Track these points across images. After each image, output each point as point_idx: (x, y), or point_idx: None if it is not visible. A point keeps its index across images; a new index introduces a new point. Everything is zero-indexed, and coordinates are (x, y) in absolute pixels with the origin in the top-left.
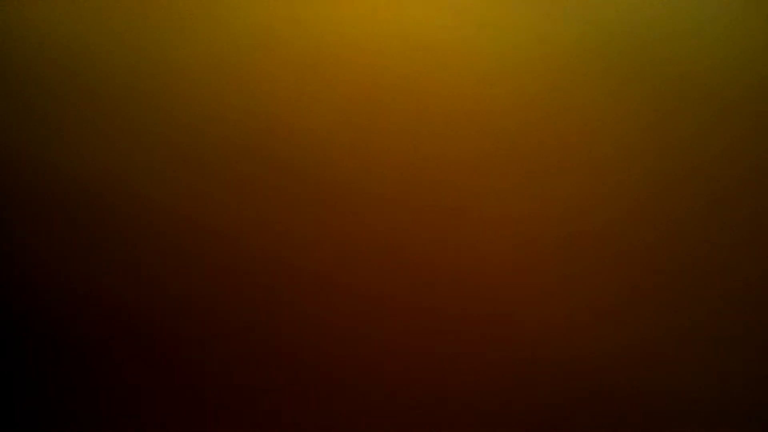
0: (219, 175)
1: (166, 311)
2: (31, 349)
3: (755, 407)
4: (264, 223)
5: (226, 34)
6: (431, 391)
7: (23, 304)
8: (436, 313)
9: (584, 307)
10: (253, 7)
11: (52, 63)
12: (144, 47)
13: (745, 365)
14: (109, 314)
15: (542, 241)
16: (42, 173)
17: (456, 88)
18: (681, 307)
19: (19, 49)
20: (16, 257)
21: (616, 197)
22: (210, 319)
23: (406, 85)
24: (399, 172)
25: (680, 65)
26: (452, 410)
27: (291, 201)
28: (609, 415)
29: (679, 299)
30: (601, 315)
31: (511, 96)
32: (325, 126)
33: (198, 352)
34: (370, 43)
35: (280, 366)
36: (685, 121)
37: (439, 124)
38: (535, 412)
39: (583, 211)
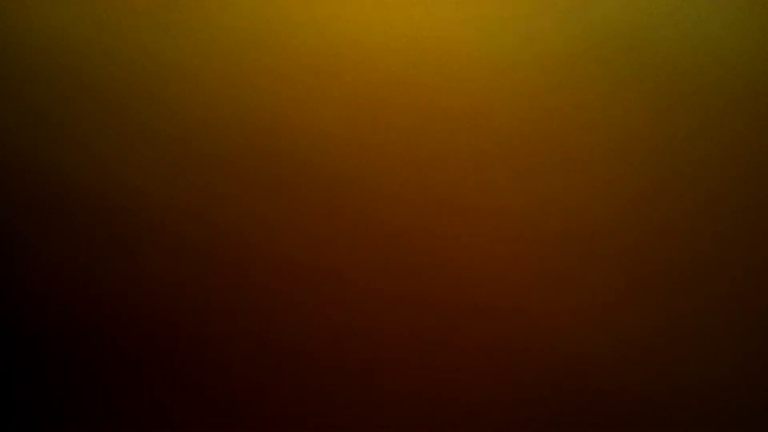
0: (224, 174)
1: (171, 310)
2: (32, 348)
3: (753, 406)
4: (267, 221)
5: (230, 33)
6: (430, 386)
7: (24, 304)
8: (436, 310)
9: (582, 304)
10: (259, 5)
11: (52, 62)
12: (148, 46)
13: (742, 364)
14: (112, 314)
15: (541, 238)
16: (43, 173)
17: (457, 87)
18: (678, 304)
19: (20, 49)
20: (16, 257)
21: (615, 195)
22: (215, 318)
23: (408, 84)
24: (401, 169)
25: (679, 64)
26: (452, 407)
27: (294, 199)
28: (607, 414)
29: (677, 297)
30: (600, 312)
31: (511, 94)
32: (328, 124)
33: (204, 351)
34: (373, 42)
35: (285, 363)
36: (682, 119)
37: (440, 122)
38: (534, 408)
39: (581, 208)
